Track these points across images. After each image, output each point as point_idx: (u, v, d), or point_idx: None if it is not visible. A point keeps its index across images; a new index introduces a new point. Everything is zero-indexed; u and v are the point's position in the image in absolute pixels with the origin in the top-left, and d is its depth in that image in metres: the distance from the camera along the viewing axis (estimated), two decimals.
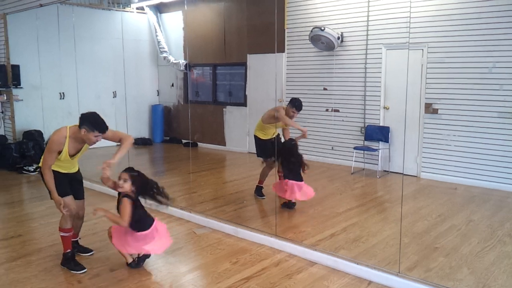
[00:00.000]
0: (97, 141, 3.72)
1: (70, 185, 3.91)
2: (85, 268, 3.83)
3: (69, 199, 3.86)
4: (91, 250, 4.25)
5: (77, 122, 3.70)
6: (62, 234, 3.88)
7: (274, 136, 5.85)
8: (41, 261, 4.04)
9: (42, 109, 8.34)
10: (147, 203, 3.95)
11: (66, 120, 9.06)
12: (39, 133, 8.53)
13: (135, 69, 10.54)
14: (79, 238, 4.26)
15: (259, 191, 6.02)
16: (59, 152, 3.69)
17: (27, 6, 7.72)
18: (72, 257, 3.90)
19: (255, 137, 5.95)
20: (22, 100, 8.61)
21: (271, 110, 5.75)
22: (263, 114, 5.86)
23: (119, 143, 3.92)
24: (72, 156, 3.78)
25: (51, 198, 3.78)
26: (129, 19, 10.47)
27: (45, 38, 8.43)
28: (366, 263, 3.79)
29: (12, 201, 6.13)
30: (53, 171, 3.77)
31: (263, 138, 5.87)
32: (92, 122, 3.63)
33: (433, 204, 5.71)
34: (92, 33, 9.62)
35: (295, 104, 5.56)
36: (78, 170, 4.06)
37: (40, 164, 3.81)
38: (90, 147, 3.85)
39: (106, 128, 3.71)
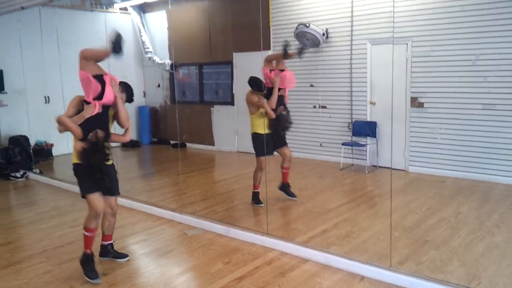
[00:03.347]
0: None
1: (103, 180, 3.72)
2: (98, 278, 3.69)
3: (96, 196, 3.70)
4: (126, 255, 4.15)
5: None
6: (85, 233, 3.76)
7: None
8: (32, 268, 4.00)
9: (27, 113, 8.23)
10: None
11: (52, 125, 8.95)
12: (25, 138, 8.42)
13: (120, 71, 10.35)
14: (113, 242, 4.15)
15: (256, 199, 5.59)
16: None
17: (8, 9, 7.60)
18: (89, 260, 3.77)
19: (255, 134, 5.50)
20: (6, 105, 8.50)
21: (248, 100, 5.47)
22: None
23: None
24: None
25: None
26: (113, 20, 10.37)
27: (27, 42, 8.31)
28: (358, 259, 3.82)
29: None
30: (76, 164, 3.68)
31: (262, 133, 5.41)
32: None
33: (422, 198, 5.77)
34: (75, 35, 9.51)
35: (254, 85, 5.41)
36: (112, 163, 3.90)
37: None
38: None
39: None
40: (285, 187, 5.77)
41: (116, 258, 4.10)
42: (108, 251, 4.09)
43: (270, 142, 5.43)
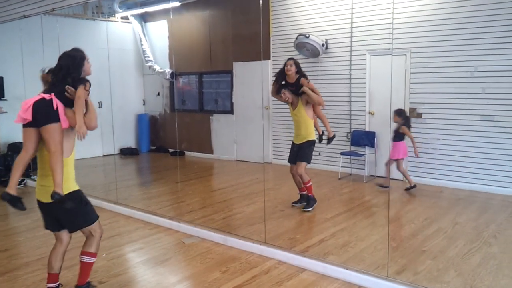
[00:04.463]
0: None
1: None
2: None
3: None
4: None
5: None
6: (92, 260, 3.32)
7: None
8: (29, 276, 3.99)
9: None
10: None
11: None
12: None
13: (121, 79, 10.48)
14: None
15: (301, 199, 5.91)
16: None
17: (10, 17, 7.66)
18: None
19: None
20: (6, 112, 8.51)
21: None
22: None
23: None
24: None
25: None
26: (114, 28, 10.44)
27: (29, 49, 8.35)
28: (355, 268, 3.82)
29: None
30: (79, 191, 3.32)
31: (293, 141, 5.86)
32: None
33: (419, 208, 5.78)
34: (77, 43, 9.29)
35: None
36: None
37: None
38: None
39: None
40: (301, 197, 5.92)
41: None
42: None
43: (294, 152, 5.74)
